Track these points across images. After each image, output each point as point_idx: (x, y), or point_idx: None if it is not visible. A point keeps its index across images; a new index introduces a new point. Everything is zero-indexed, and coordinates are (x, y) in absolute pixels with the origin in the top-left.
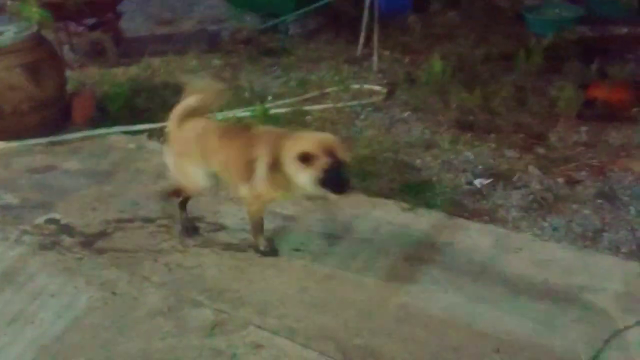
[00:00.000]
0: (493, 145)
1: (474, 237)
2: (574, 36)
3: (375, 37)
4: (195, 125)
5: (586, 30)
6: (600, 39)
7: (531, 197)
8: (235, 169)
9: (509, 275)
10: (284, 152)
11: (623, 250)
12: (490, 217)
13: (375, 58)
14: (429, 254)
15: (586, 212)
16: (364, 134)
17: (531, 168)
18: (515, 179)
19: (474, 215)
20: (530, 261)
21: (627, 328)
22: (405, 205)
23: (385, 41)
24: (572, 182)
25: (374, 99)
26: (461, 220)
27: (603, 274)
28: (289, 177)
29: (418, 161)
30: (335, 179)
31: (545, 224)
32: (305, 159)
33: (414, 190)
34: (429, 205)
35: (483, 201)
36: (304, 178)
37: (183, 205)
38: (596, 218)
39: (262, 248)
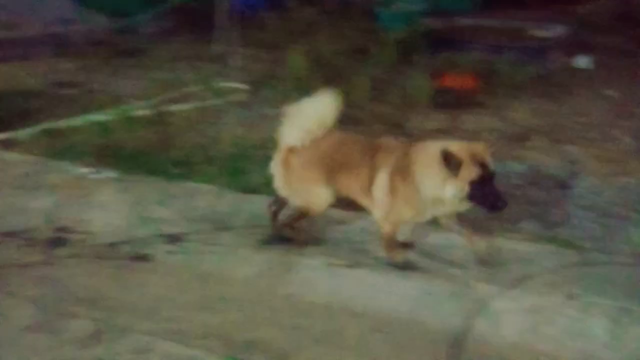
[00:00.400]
0: None
1: (349, 225)
2: (423, 29)
3: (233, 35)
4: (318, 142)
5: (433, 23)
6: (447, 30)
7: None
8: (356, 183)
9: (382, 257)
10: (413, 157)
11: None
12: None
13: (234, 55)
14: (308, 244)
15: None
16: (230, 132)
17: None
18: None
19: (347, 205)
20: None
21: (492, 297)
22: None
23: (243, 38)
24: None
25: (238, 96)
26: (335, 211)
27: (466, 250)
28: (418, 189)
29: None
30: (489, 194)
31: None
32: (450, 161)
33: None
34: None
35: None
36: (449, 190)
37: (275, 215)
38: None
39: (399, 260)
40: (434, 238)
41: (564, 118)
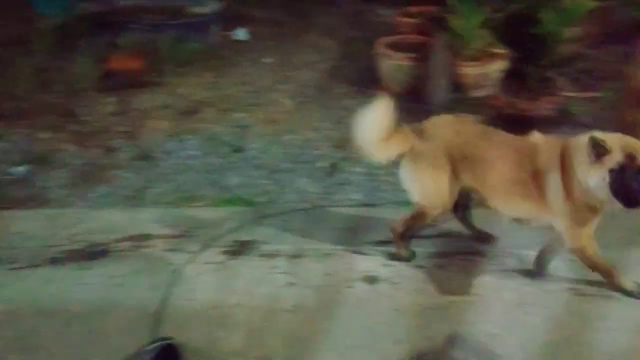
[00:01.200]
0: (25, 131)
1: (25, 225)
2: (83, 12)
3: None
4: (443, 130)
5: (92, 6)
6: (106, 13)
7: (73, 173)
8: (510, 185)
9: (63, 249)
10: (572, 151)
11: (167, 200)
12: (37, 201)
13: None
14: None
15: (128, 175)
16: None
17: (67, 146)
18: (54, 159)
19: (19, 204)
20: (85, 230)
21: (183, 265)
22: None
23: None
24: (110, 151)
25: None
26: (7, 212)
27: (150, 224)
28: (582, 186)
29: None
30: (628, 186)
31: (94, 194)
32: (597, 149)
33: None
34: None
35: (26, 188)
36: (591, 178)
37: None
38: (138, 178)
39: (630, 288)
40: (120, 220)
41: (229, 88)
